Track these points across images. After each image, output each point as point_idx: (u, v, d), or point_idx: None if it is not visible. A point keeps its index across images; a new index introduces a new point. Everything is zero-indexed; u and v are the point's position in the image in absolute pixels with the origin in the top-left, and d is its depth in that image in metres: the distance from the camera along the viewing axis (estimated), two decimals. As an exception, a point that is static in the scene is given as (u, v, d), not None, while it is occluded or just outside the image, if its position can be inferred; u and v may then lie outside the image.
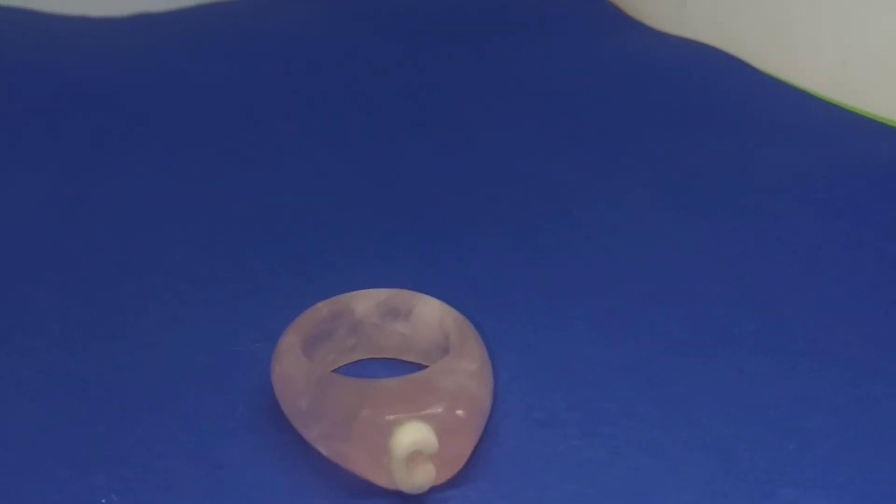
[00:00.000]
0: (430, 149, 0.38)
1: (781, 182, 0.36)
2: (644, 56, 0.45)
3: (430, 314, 0.25)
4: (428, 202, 0.34)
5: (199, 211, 0.33)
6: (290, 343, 0.23)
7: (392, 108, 0.40)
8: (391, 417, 0.21)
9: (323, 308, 0.25)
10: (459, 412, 0.21)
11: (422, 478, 0.21)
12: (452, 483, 0.21)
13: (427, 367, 0.25)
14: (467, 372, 0.22)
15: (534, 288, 0.29)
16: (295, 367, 0.22)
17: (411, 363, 0.26)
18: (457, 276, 0.30)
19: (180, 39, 0.46)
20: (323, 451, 0.22)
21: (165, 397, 0.24)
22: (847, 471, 0.22)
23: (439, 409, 0.21)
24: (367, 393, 0.21)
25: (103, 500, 0.21)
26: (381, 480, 0.21)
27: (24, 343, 0.26)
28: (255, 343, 0.26)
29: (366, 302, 0.25)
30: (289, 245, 0.31)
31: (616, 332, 0.27)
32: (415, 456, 0.20)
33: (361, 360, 0.26)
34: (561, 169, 0.37)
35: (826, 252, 0.31)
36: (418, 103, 0.41)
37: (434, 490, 0.21)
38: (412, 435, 0.20)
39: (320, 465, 0.22)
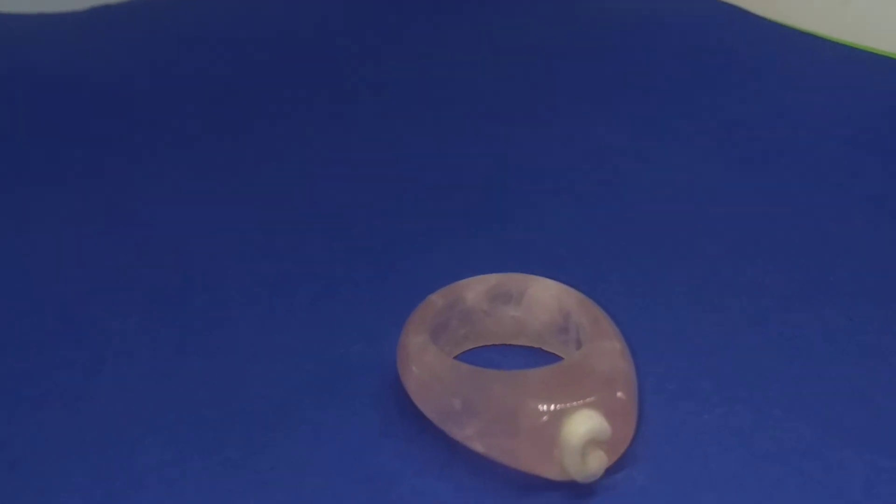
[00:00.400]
0: (451, 124, 0.37)
1: (821, 127, 0.36)
2: (646, 11, 0.45)
3: (545, 295, 0.24)
4: (481, 181, 0.33)
5: (228, 214, 0.32)
6: (422, 342, 0.22)
7: (409, 87, 0.39)
8: (559, 407, 0.20)
9: (438, 300, 0.23)
10: (619, 394, 0.20)
11: (596, 466, 0.20)
12: (615, 468, 0.21)
13: (540, 349, 0.25)
14: (615, 351, 0.21)
15: (617, 255, 0.29)
16: (439, 365, 0.21)
17: (524, 347, 0.25)
18: (535, 249, 0.29)
19: (148, 29, 0.45)
20: (480, 448, 0.21)
21: (286, 413, 0.23)
22: None
23: (603, 394, 0.20)
24: (528, 384, 0.20)
25: None
26: (550, 472, 0.20)
27: (117, 371, 0.24)
28: (353, 346, 0.25)
29: (475, 289, 0.24)
30: (352, 241, 0.30)
31: (716, 292, 0.27)
32: (589, 444, 0.20)
33: (472, 349, 0.25)
34: (600, 131, 0.37)
35: (891, 191, 0.32)
36: (435, 77, 0.40)
37: (601, 477, 0.20)
38: (586, 423, 0.20)
39: (477, 464, 0.21)
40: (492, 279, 0.24)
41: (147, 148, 0.36)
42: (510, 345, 0.25)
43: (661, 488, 0.21)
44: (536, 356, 0.25)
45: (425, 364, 0.22)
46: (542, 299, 0.24)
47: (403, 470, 0.21)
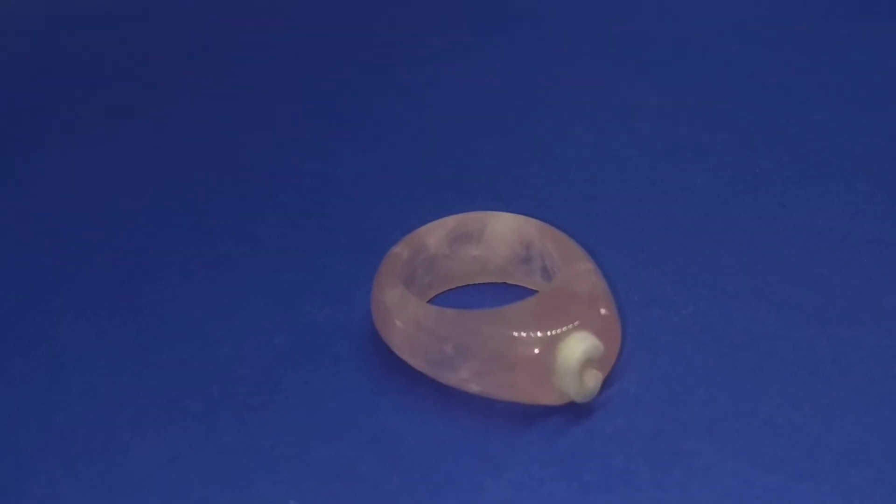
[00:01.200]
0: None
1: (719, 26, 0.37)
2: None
3: (505, 229, 0.24)
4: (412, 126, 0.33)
5: (144, 200, 0.30)
6: (399, 294, 0.22)
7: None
8: (551, 334, 0.20)
9: (402, 251, 0.23)
10: (603, 311, 0.21)
11: (593, 384, 0.20)
12: (606, 383, 0.21)
13: (504, 283, 0.25)
14: (589, 272, 0.22)
15: (556, 180, 0.29)
16: (423, 314, 0.21)
17: (488, 284, 0.25)
18: (481, 186, 0.29)
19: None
20: (476, 389, 0.21)
21: (270, 389, 0.22)
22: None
23: (589, 315, 0.21)
24: (517, 317, 0.20)
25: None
26: (549, 399, 0.21)
27: (80, 379, 0.23)
28: (319, 312, 0.25)
29: (436, 234, 0.24)
30: (289, 206, 0.29)
31: (655, 199, 0.27)
32: (585, 364, 0.20)
33: (438, 294, 0.25)
34: (546, 66, 0.37)
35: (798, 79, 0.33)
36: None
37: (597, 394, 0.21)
38: (581, 345, 0.20)
39: (476, 405, 0.21)
40: (450, 222, 0.24)
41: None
42: (474, 284, 0.25)
43: (653, 394, 0.21)
44: (503, 291, 0.25)
45: (409, 315, 0.21)
46: (502, 233, 0.25)
47: (405, 425, 0.21)
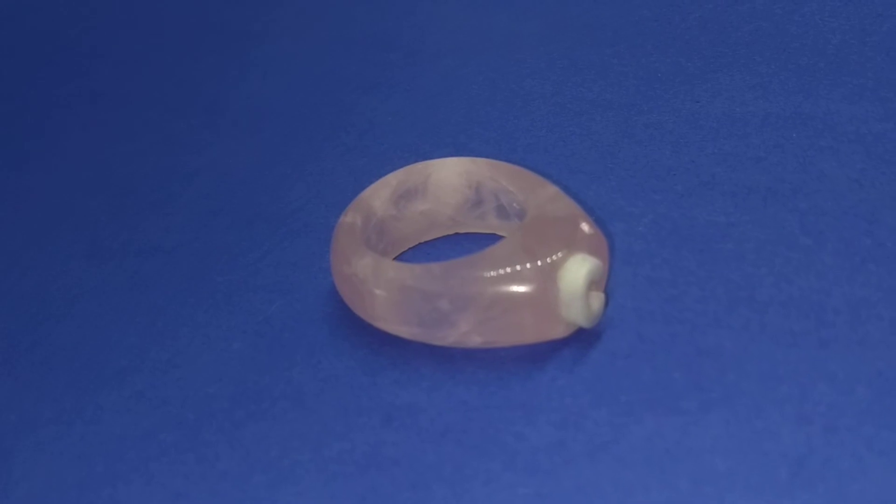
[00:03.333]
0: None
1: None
2: None
3: (450, 175, 0.23)
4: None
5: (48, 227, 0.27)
6: (372, 262, 0.20)
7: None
8: (550, 261, 0.19)
9: (355, 219, 0.21)
10: (587, 228, 0.20)
11: (598, 305, 0.20)
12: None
13: (456, 234, 0.24)
14: (556, 194, 0.21)
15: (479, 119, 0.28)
16: (408, 275, 0.19)
17: (438, 240, 0.24)
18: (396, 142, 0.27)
19: None
20: (478, 341, 0.20)
21: (255, 400, 0.20)
22: None
23: (577, 235, 0.20)
24: (509, 256, 0.19)
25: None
26: (556, 331, 0.20)
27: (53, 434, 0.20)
28: (273, 304, 0.23)
29: (380, 195, 0.22)
30: (198, 206, 0.26)
31: (577, 111, 0.27)
32: (590, 286, 0.19)
33: (394, 260, 0.23)
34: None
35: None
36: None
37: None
38: (583, 267, 0.19)
39: (481, 359, 0.20)
40: (392, 179, 0.23)
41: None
42: (427, 241, 0.24)
43: (651, 303, 0.20)
44: (460, 241, 0.23)
45: (390, 281, 0.20)
46: (448, 181, 0.23)
47: (416, 396, 0.19)
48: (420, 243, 0.24)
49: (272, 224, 0.25)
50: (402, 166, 0.24)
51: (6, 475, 0.20)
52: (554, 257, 0.19)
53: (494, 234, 0.23)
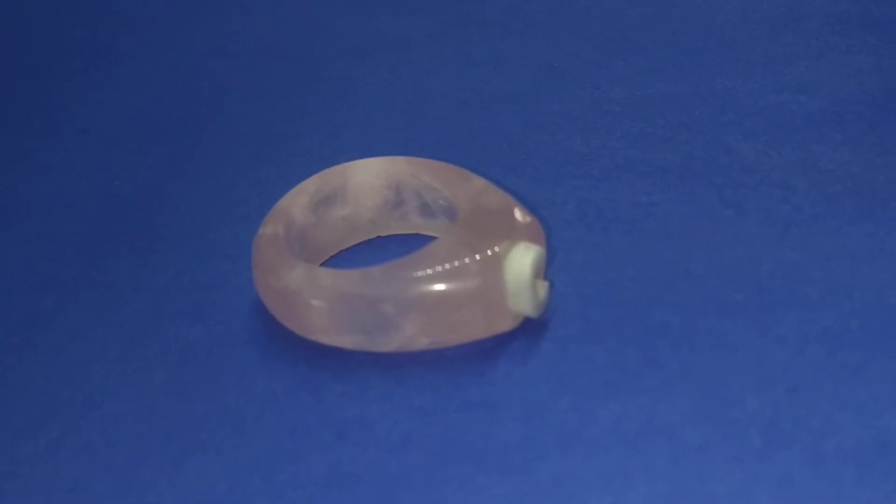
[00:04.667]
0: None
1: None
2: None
3: (369, 177, 0.22)
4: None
5: None
6: (304, 272, 0.19)
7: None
8: (492, 252, 0.18)
9: (276, 229, 0.20)
10: (520, 216, 0.19)
11: (544, 293, 0.19)
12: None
13: (378, 237, 0.23)
14: (485, 186, 0.20)
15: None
16: (346, 282, 0.18)
17: (359, 245, 0.23)
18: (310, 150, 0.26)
19: None
20: (425, 343, 0.19)
21: (203, 436, 0.18)
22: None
23: (513, 224, 0.19)
24: (449, 250, 0.18)
25: None
26: (504, 324, 0.19)
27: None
28: (191, 330, 0.21)
29: (299, 203, 0.21)
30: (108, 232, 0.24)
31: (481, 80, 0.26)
32: (536, 274, 0.19)
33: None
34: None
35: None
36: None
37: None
38: (528, 255, 0.18)
39: (429, 363, 0.19)
40: (310, 185, 0.22)
41: None
42: (347, 249, 0.23)
43: (590, 287, 0.20)
44: (382, 245, 0.22)
45: (327, 290, 0.19)
46: (366, 182, 0.22)
47: (367, 408, 0.18)
48: (342, 250, 0.23)
49: (175, 245, 0.24)
50: (305, 174, 0.23)
51: None
52: (496, 249, 0.19)
53: (418, 234, 0.23)
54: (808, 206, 0.22)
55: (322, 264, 0.22)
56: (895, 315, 0.18)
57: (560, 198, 0.24)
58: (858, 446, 0.15)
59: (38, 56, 0.33)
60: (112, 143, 0.28)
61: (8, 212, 0.26)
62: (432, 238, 0.21)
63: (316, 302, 0.19)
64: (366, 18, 0.32)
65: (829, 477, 0.16)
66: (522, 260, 0.19)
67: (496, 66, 0.29)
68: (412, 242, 0.21)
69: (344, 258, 0.23)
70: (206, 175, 0.26)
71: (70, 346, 0.21)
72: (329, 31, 0.32)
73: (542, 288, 0.19)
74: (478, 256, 0.18)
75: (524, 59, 0.29)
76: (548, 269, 0.21)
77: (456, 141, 0.26)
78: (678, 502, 0.15)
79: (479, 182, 0.21)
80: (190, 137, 0.28)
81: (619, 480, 0.16)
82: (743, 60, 0.27)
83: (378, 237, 0.23)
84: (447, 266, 0.18)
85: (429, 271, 0.18)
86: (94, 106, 0.30)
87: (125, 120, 0.29)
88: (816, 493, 0.15)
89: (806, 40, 0.28)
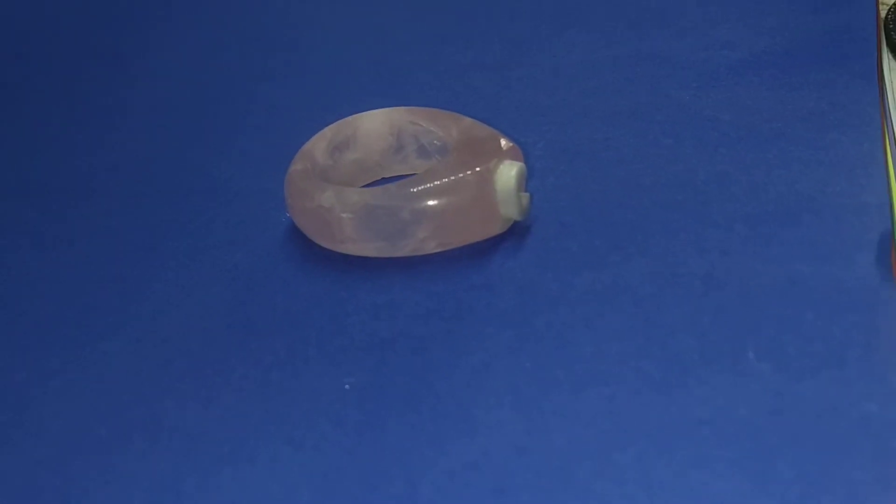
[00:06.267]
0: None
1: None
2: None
3: (375, 125, 0.26)
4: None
5: None
6: (333, 193, 0.23)
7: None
8: (486, 167, 0.23)
9: (305, 165, 0.25)
10: (504, 142, 0.24)
11: (526, 201, 0.24)
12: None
13: (382, 178, 0.27)
14: (473, 122, 0.25)
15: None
16: (369, 196, 0.23)
17: (369, 184, 0.27)
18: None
19: None
20: (433, 246, 0.23)
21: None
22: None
23: (499, 148, 0.24)
24: (450, 167, 0.23)
25: (347, 386, 0.20)
26: (495, 227, 0.24)
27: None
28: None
29: (319, 147, 0.26)
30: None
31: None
32: (519, 185, 0.23)
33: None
34: None
35: None
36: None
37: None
38: (511, 169, 0.23)
39: (436, 263, 0.23)
40: (328, 132, 0.26)
41: None
42: (357, 187, 0.27)
43: (561, 201, 0.25)
44: (386, 183, 0.27)
45: (355, 204, 0.23)
46: (373, 129, 0.27)
47: (393, 296, 0.23)
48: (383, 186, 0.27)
49: (209, 195, 0.28)
50: (309, 138, 0.27)
51: None
52: (487, 165, 0.24)
53: (417, 174, 0.27)
54: (733, 131, 0.27)
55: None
56: (801, 200, 0.23)
57: (531, 140, 0.28)
58: (774, 285, 0.20)
59: (72, 45, 0.37)
60: (139, 123, 0.32)
61: (56, 177, 0.30)
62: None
63: (346, 215, 0.23)
64: (348, 13, 0.37)
65: (755, 308, 0.20)
66: (508, 173, 0.23)
67: (467, 42, 0.34)
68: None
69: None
70: (224, 141, 0.31)
71: (135, 271, 0.25)
72: (316, 23, 0.37)
73: (525, 198, 0.24)
74: (472, 171, 0.23)
75: (492, 35, 0.34)
76: (526, 187, 0.25)
77: (439, 101, 0.30)
78: (640, 330, 0.20)
79: (468, 120, 0.26)
80: (206, 114, 0.32)
81: (596, 323, 0.21)
82: (676, 26, 0.32)
83: (383, 178, 0.27)
84: (450, 178, 0.23)
85: (436, 183, 0.23)
86: (122, 92, 0.34)
87: (147, 104, 0.33)
88: (742, 319, 0.20)
89: (728, 6, 0.33)
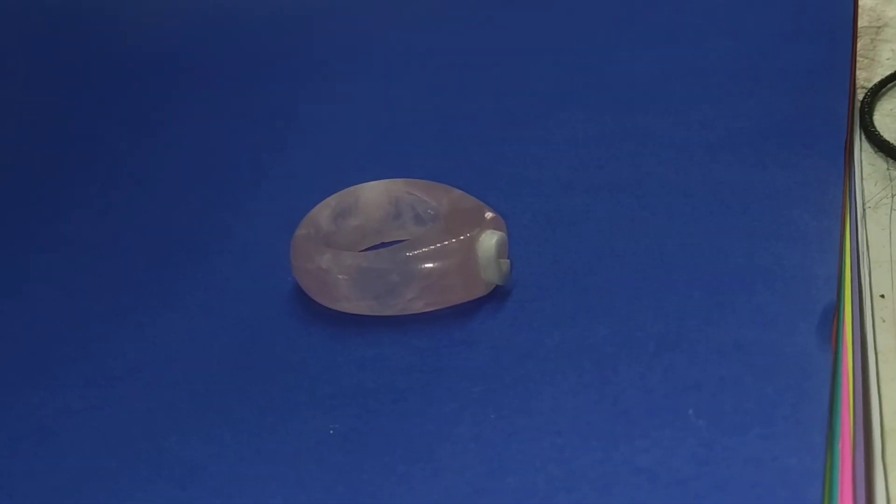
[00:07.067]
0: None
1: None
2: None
3: (375, 194, 0.29)
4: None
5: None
6: (331, 255, 0.26)
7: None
8: (468, 236, 0.26)
9: (309, 231, 0.27)
10: (489, 214, 0.27)
11: (506, 267, 0.26)
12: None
13: (382, 242, 0.30)
14: (462, 195, 0.28)
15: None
16: (363, 259, 0.26)
17: (368, 248, 0.29)
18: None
19: None
20: (419, 307, 0.26)
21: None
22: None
23: (483, 218, 0.26)
24: (436, 235, 0.26)
25: (331, 431, 0.22)
26: (478, 291, 0.26)
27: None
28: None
29: (323, 214, 0.29)
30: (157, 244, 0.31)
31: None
32: (499, 253, 0.26)
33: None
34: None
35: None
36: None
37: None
38: (492, 238, 0.26)
39: (423, 321, 0.26)
40: (332, 201, 0.29)
41: None
42: (358, 251, 0.30)
43: (540, 267, 0.27)
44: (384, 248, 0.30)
45: (349, 266, 0.26)
46: (373, 199, 0.29)
47: (380, 350, 0.25)
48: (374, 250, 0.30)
49: (224, 255, 0.31)
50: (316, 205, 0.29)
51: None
52: (470, 233, 0.26)
53: (407, 240, 0.29)
54: (704, 206, 0.29)
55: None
56: (757, 271, 0.26)
57: (519, 210, 0.31)
58: (720, 349, 0.23)
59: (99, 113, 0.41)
60: (157, 191, 0.35)
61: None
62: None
63: (341, 276, 0.26)
64: (364, 87, 0.40)
65: (700, 369, 0.22)
66: (489, 242, 0.26)
67: (469, 117, 0.36)
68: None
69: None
70: (243, 205, 0.33)
71: (155, 321, 0.28)
72: (332, 98, 0.40)
73: (505, 264, 0.26)
74: (457, 239, 0.26)
75: (490, 112, 0.37)
76: (510, 256, 0.28)
77: (436, 173, 0.32)
78: (595, 387, 0.22)
79: (457, 192, 0.28)
80: (222, 181, 0.35)
81: (558, 378, 0.23)
82: (659, 106, 0.35)
83: (382, 242, 0.30)
84: (436, 245, 0.26)
85: (423, 249, 0.26)
86: (147, 161, 0.37)
87: (168, 174, 0.36)
88: (687, 378, 0.22)
89: (708, 89, 0.36)
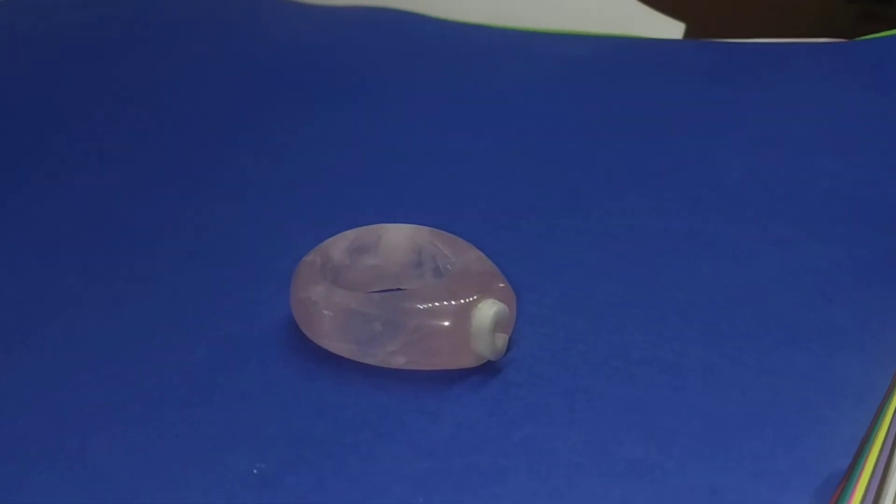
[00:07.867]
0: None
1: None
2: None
3: (398, 237, 0.28)
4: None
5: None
6: (325, 289, 0.25)
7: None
8: (466, 301, 0.24)
9: (315, 259, 0.26)
10: (501, 285, 0.25)
11: (501, 343, 0.24)
12: (509, 344, 0.25)
13: (398, 288, 0.28)
14: (480, 257, 0.26)
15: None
16: (353, 301, 0.24)
17: (383, 291, 0.28)
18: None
19: None
20: (401, 361, 0.24)
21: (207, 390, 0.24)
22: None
23: (491, 287, 0.25)
24: (434, 293, 0.24)
25: (255, 470, 0.21)
26: (466, 361, 0.24)
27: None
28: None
29: (339, 246, 0.27)
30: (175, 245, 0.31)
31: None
32: (495, 326, 0.24)
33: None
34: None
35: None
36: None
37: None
38: (490, 309, 0.24)
39: (398, 377, 0.24)
40: (350, 234, 0.28)
41: None
42: (370, 292, 0.28)
43: (545, 351, 0.25)
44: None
45: (337, 304, 0.24)
46: (396, 242, 0.28)
47: (345, 399, 0.24)
48: (367, 291, 0.28)
49: (234, 271, 0.30)
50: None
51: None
52: (470, 299, 0.24)
53: (405, 290, 0.28)
54: (746, 328, 0.26)
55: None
56: (773, 412, 0.23)
57: (548, 288, 0.28)
58: (692, 491, 0.20)
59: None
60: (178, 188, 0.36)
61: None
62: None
63: (327, 312, 0.25)
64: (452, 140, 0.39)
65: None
66: (487, 311, 0.24)
67: (529, 184, 0.35)
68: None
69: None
70: (274, 229, 0.33)
71: (141, 325, 0.27)
72: (382, 146, 0.38)
73: (501, 339, 0.24)
74: (454, 301, 0.24)
75: (554, 182, 0.35)
76: (517, 333, 0.26)
77: (483, 242, 0.29)
78: (542, 498, 0.20)
79: (477, 253, 0.26)
80: (265, 206, 0.34)
81: (508, 476, 0.21)
82: (738, 209, 0.32)
83: (398, 288, 0.28)
84: (429, 304, 0.24)
85: (417, 305, 0.24)
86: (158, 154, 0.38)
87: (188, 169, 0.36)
88: None
89: (790, 204, 0.32)
